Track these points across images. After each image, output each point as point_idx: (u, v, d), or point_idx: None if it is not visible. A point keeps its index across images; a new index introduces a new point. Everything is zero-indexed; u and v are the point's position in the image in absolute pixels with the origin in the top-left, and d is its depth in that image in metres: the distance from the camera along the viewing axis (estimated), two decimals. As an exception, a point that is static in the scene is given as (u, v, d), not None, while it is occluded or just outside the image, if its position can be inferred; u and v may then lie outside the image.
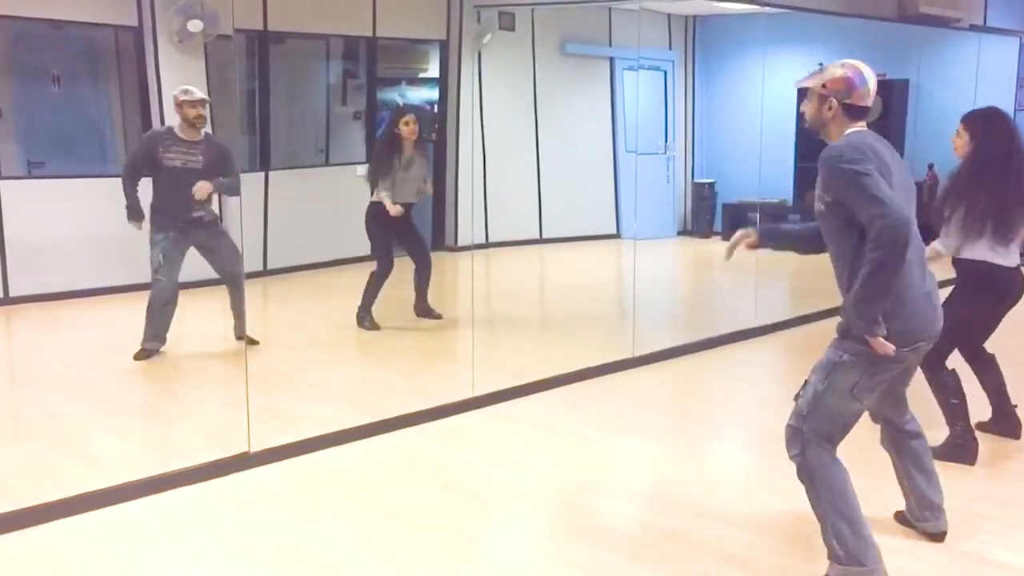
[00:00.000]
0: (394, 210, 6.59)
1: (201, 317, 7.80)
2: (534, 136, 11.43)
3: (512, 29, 11.01)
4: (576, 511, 3.91)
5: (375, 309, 6.87)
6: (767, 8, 8.68)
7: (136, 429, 4.88)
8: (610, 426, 4.98)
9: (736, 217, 11.29)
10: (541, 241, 11.39)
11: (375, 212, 6.75)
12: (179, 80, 8.35)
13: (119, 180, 6.03)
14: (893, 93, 10.25)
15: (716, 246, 11.45)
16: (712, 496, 4.05)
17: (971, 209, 4.22)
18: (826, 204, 3.07)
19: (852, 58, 3.24)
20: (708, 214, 12.24)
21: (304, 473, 4.31)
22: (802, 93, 3.26)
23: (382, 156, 6.75)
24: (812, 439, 3.11)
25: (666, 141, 12.23)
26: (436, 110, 11.24)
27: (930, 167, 10.08)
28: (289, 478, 4.25)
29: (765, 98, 8.35)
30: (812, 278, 8.69)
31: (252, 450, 4.38)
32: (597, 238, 11.62)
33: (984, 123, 4.33)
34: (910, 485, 3.54)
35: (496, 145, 10.95)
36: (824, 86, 3.14)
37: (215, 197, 6.15)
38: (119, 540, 3.63)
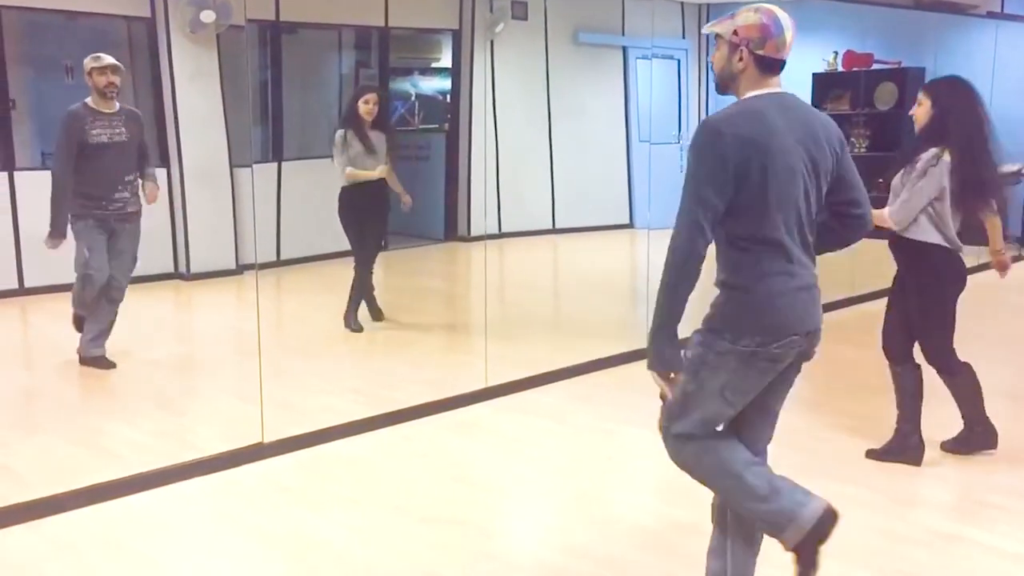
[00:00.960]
0: (376, 173, 6.37)
1: (214, 308, 7.83)
2: (547, 126, 11.40)
3: (525, 18, 10.98)
4: (589, 502, 3.90)
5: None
6: (782, -4, 8.61)
7: (150, 420, 4.89)
8: (623, 417, 4.96)
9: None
10: (554, 231, 11.37)
11: (347, 198, 6.53)
12: (192, 71, 8.39)
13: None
14: (909, 81, 10.18)
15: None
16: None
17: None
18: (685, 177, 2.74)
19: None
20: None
21: (317, 464, 4.32)
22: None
23: (341, 136, 6.44)
24: (677, 435, 2.85)
25: (679, 130, 12.17)
26: (449, 100, 11.22)
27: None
28: (302, 469, 4.26)
29: (780, 86, 8.27)
30: (825, 267, 8.64)
31: (266, 441, 4.39)
32: (610, 228, 11.59)
33: (947, 91, 4.09)
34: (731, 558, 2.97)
35: (509, 135, 10.92)
36: (735, 33, 2.71)
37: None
38: (133, 530, 3.64)
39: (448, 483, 4.10)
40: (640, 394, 5.38)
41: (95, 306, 5.67)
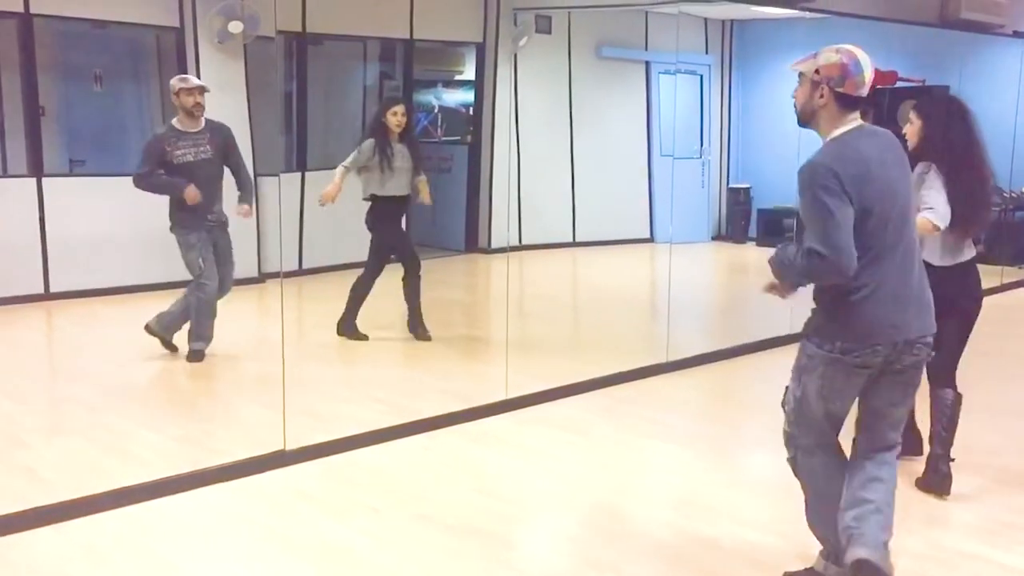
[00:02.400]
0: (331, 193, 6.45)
1: (237, 315, 7.88)
2: (569, 139, 11.42)
3: (548, 32, 11.01)
4: (608, 515, 3.91)
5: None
6: (807, 14, 8.62)
7: (174, 425, 4.94)
8: (643, 431, 4.97)
9: (771, 223, 11.22)
10: (574, 244, 11.38)
11: (378, 210, 6.56)
12: (219, 81, 8.46)
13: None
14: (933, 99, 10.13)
15: (750, 252, 11.38)
16: (745, 503, 4.03)
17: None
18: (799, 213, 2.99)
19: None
20: (743, 219, 12.17)
21: (339, 472, 4.34)
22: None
23: (367, 145, 6.45)
24: (804, 443, 3.15)
25: (701, 145, 12.18)
26: (471, 112, 11.28)
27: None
28: (324, 477, 4.29)
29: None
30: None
31: (288, 448, 4.42)
32: (630, 242, 11.59)
33: (936, 108, 4.12)
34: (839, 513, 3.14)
35: (531, 148, 10.96)
36: (817, 72, 2.94)
37: (224, 198, 6.03)
38: (156, 534, 3.68)
39: (469, 493, 4.12)
40: (660, 408, 5.40)
41: (207, 312, 5.99)
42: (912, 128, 4.12)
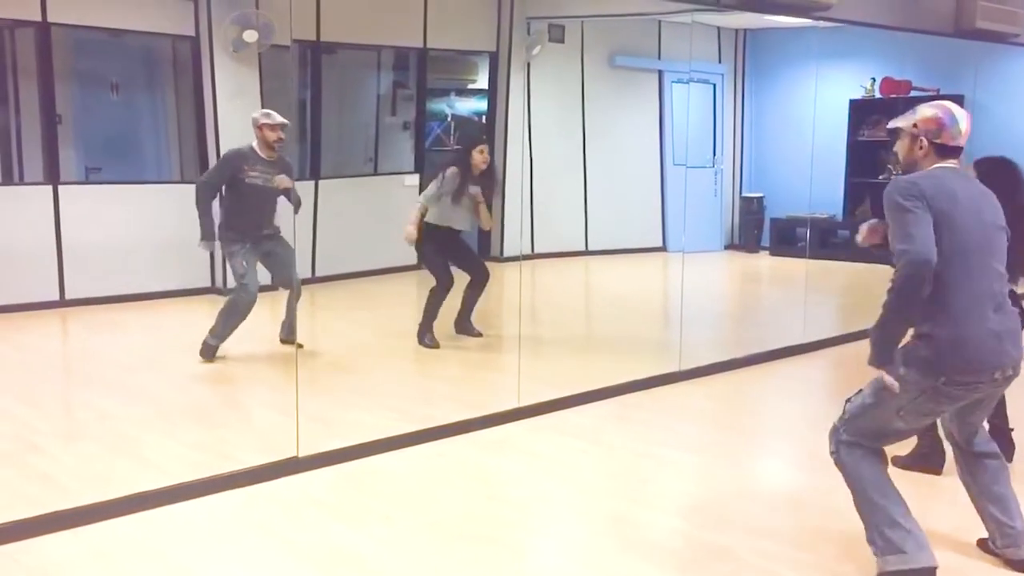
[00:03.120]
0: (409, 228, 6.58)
1: (251, 322, 7.91)
2: (582, 148, 11.44)
3: (562, 41, 11.04)
4: (621, 524, 3.91)
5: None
6: (820, 22, 8.62)
7: (188, 431, 4.95)
8: (656, 439, 4.96)
9: (784, 232, 11.19)
10: (587, 253, 11.38)
11: (429, 235, 6.66)
12: (233, 89, 8.53)
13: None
14: (947, 108, 10.09)
15: (763, 261, 11.36)
16: (758, 512, 4.02)
17: None
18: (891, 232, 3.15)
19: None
20: (756, 228, 12.14)
21: (352, 479, 4.35)
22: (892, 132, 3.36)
23: (452, 182, 6.58)
24: (846, 439, 3.28)
25: (714, 154, 12.17)
26: (484, 121, 11.30)
27: (985, 184, 9.84)
28: (337, 483, 4.30)
29: (817, 112, 8.28)
30: (862, 293, 8.60)
31: (301, 455, 4.43)
32: (643, 251, 11.58)
33: (991, 169, 4.19)
34: (984, 511, 3.49)
35: (544, 156, 10.97)
36: (915, 126, 3.21)
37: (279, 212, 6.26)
38: (170, 540, 3.69)
39: (481, 501, 4.12)
40: (673, 417, 5.39)
41: (240, 315, 6.13)
42: (901, 144, 4.17)
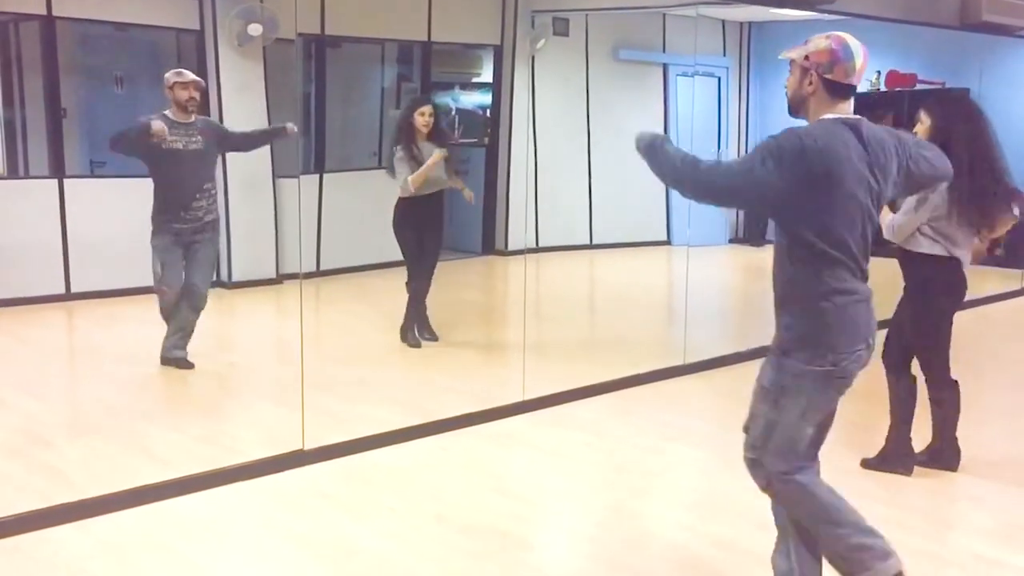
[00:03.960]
0: (434, 158, 6.33)
1: (256, 316, 7.94)
2: (586, 141, 11.43)
3: (566, 34, 11.03)
4: (626, 517, 3.92)
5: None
6: (825, 15, 8.60)
7: (193, 425, 4.97)
8: (660, 433, 4.97)
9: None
10: (591, 247, 11.38)
11: (402, 209, 6.54)
12: (238, 83, 8.53)
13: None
14: (952, 102, 10.08)
15: (767, 255, 11.31)
16: (762, 505, 4.01)
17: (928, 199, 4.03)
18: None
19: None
20: (760, 222, 12.12)
21: (357, 472, 4.37)
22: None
23: (398, 159, 6.43)
24: (775, 471, 2.93)
25: (719, 147, 12.16)
26: (488, 114, 11.30)
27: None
28: (342, 476, 4.31)
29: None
30: (866, 288, 8.57)
31: (306, 448, 4.45)
32: (647, 244, 11.59)
33: (948, 109, 4.16)
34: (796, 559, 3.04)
35: (548, 150, 10.96)
36: (806, 58, 2.86)
37: (220, 198, 5.98)
38: (177, 532, 3.71)
39: (486, 494, 4.13)
40: (677, 411, 5.40)
41: (176, 313, 5.91)
42: (922, 127, 4.16)
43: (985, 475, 4.34)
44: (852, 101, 2.89)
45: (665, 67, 11.83)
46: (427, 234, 6.58)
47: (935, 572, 3.40)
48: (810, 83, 2.86)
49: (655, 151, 2.92)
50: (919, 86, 10.47)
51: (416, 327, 6.68)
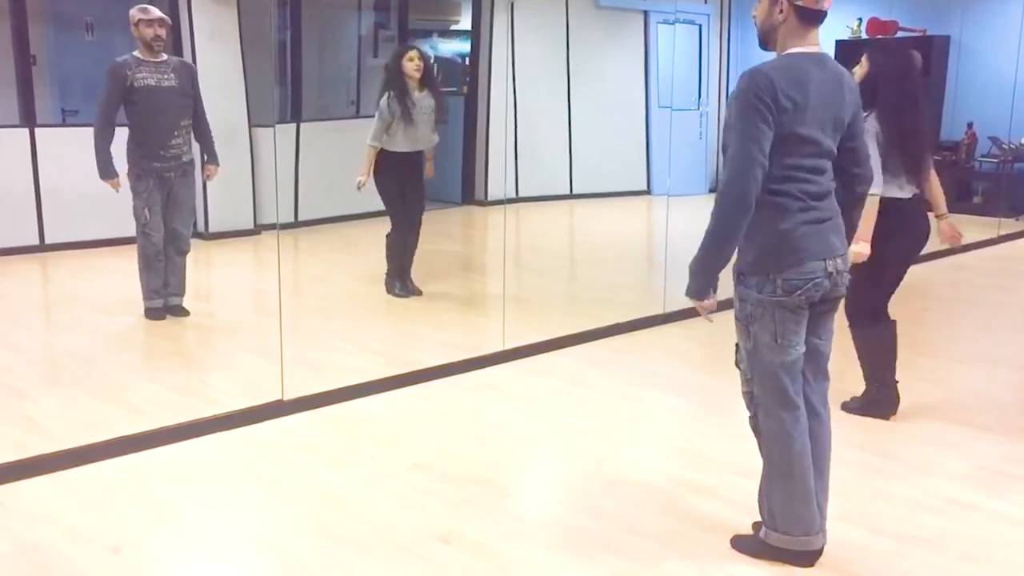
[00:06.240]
0: (364, 179, 6.27)
1: (234, 267, 7.88)
2: (566, 90, 11.34)
3: (546, -19, 10.89)
4: (605, 464, 3.94)
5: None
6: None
7: (172, 376, 4.94)
8: (640, 382, 4.99)
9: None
10: (571, 196, 11.35)
11: (383, 163, 6.34)
12: (211, 29, 8.37)
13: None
14: (934, 50, 10.06)
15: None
16: (740, 452, 4.05)
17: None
18: (728, 125, 2.86)
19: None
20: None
21: (337, 422, 4.37)
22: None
23: (385, 104, 6.22)
24: (763, 402, 2.97)
25: (699, 97, 12.10)
26: (467, 63, 11.17)
27: (969, 126, 9.90)
28: (322, 426, 4.31)
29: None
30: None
31: (286, 398, 4.43)
32: (627, 194, 11.57)
33: (882, 56, 4.24)
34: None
35: (528, 99, 10.88)
36: None
37: (192, 139, 5.84)
38: (156, 483, 3.70)
39: (466, 442, 4.14)
40: (657, 360, 5.42)
41: (160, 260, 5.82)
42: (860, 70, 4.23)
43: (961, 420, 4.38)
44: (818, 32, 2.88)
45: (646, 14, 11.72)
46: (409, 187, 6.48)
47: (911, 517, 3.43)
48: (780, 11, 2.83)
49: (704, 251, 2.96)
50: (900, 34, 10.43)
51: (399, 279, 6.63)
